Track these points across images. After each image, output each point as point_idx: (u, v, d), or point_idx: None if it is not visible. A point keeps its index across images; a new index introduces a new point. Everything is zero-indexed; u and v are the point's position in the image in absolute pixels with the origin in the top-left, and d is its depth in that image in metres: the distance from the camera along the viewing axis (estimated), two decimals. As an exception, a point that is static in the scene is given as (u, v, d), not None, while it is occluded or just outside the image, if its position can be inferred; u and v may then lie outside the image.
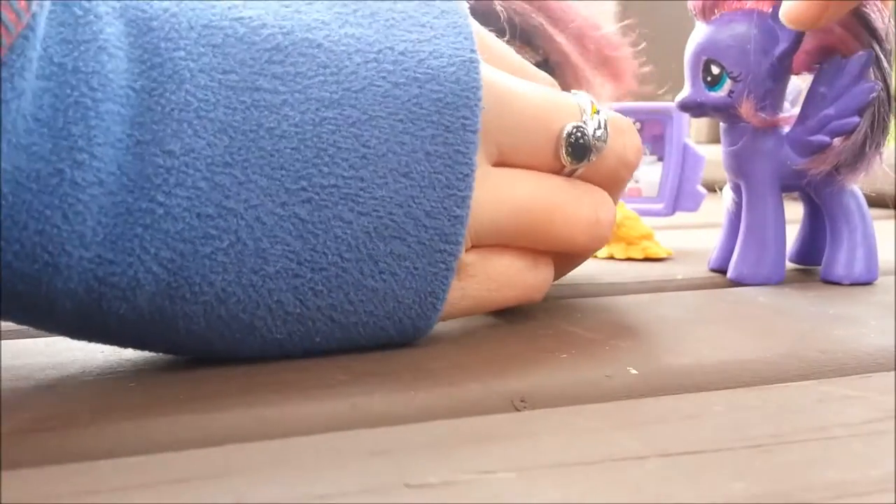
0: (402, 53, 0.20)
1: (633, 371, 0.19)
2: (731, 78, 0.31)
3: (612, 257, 0.38)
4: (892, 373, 0.20)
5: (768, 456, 0.15)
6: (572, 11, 0.33)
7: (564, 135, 0.22)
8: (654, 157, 0.43)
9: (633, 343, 0.22)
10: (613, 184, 0.25)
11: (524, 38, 0.29)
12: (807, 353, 0.21)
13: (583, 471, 0.14)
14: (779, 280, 0.31)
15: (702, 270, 0.34)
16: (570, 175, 0.23)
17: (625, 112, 0.42)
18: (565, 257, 0.25)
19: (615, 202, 0.26)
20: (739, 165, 0.32)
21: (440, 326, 0.24)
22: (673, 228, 0.46)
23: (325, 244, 0.19)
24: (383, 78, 0.19)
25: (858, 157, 0.30)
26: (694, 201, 0.44)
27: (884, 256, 0.33)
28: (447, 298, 0.21)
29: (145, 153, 0.17)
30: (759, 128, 0.31)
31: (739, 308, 0.27)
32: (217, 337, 0.19)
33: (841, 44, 0.30)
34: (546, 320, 0.25)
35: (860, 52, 0.30)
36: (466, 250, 0.21)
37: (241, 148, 0.18)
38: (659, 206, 0.43)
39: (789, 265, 0.34)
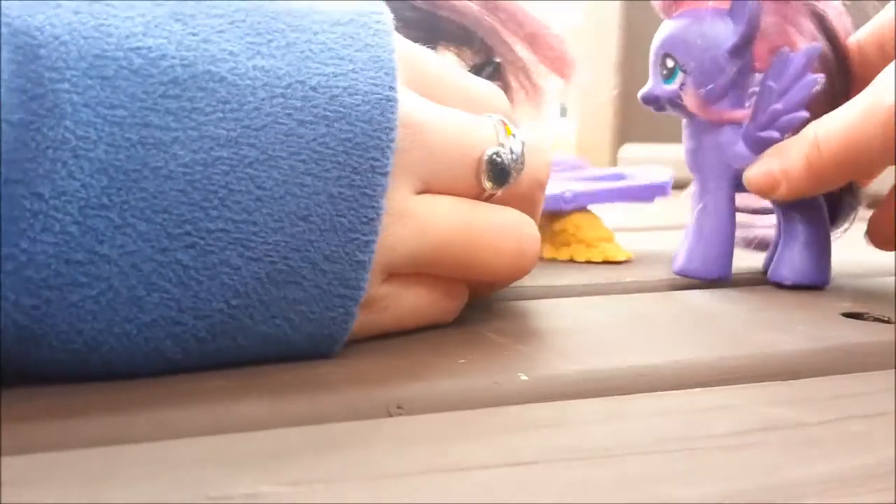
0: (313, 89, 0.19)
1: (524, 377, 0.19)
2: (682, 71, 0.30)
3: (571, 259, 0.38)
4: (789, 382, 0.19)
5: (603, 469, 0.14)
6: (524, 13, 0.33)
7: (485, 160, 0.22)
8: None
9: (538, 348, 0.22)
10: (530, 204, 0.25)
11: (464, 39, 0.29)
12: (712, 359, 0.21)
13: (412, 481, 0.14)
14: (722, 275, 0.31)
15: (656, 273, 0.34)
16: (488, 199, 0.23)
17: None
18: (485, 286, 0.25)
19: (534, 217, 0.25)
20: (694, 161, 0.32)
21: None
22: (638, 231, 0.45)
23: (209, 291, 0.18)
24: (289, 115, 0.18)
25: None
26: None
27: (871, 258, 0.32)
28: (353, 331, 0.20)
29: (13, 194, 0.16)
30: (713, 123, 0.31)
31: (673, 312, 0.27)
32: (92, 374, 0.18)
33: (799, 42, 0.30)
34: (465, 323, 0.25)
35: (806, 46, 0.29)
36: (382, 282, 0.21)
37: (120, 189, 0.17)
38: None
39: (752, 267, 0.33)
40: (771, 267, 0.31)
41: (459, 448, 0.15)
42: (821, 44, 0.29)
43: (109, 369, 0.18)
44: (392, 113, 0.19)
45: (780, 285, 0.31)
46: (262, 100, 0.18)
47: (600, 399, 0.18)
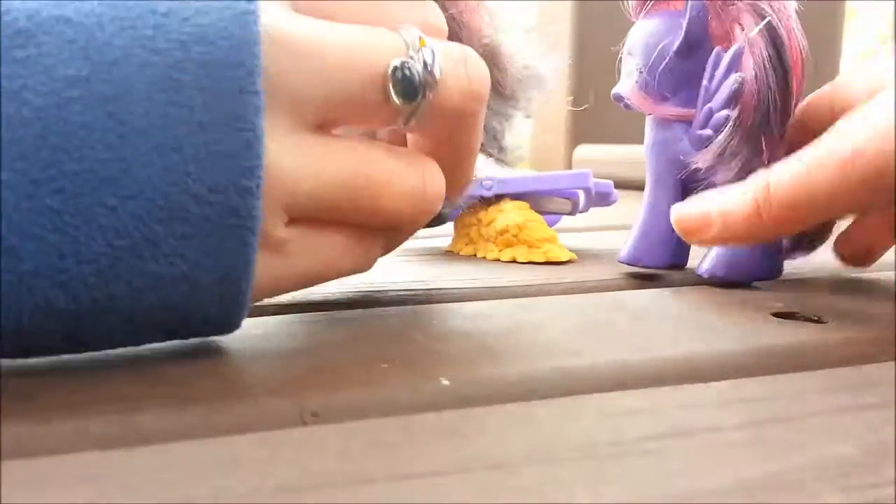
0: (164, 15, 0.18)
1: (445, 382, 0.19)
2: (637, 70, 0.31)
3: (514, 260, 0.37)
4: (710, 384, 0.19)
5: (509, 478, 0.14)
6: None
7: (389, 73, 0.21)
8: None
9: (466, 351, 0.21)
10: (464, 119, 0.23)
11: None
12: (636, 361, 0.20)
13: (310, 495, 0.13)
14: (667, 263, 0.32)
15: (596, 273, 0.34)
16: (408, 120, 0.22)
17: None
18: (394, 230, 0.24)
19: (472, 140, 0.24)
20: (648, 154, 0.33)
21: (275, 329, 0.23)
22: (582, 231, 0.45)
23: (87, 234, 0.17)
24: (141, 46, 0.18)
25: (735, 152, 0.29)
26: None
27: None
28: (263, 279, 0.20)
29: None
30: (665, 120, 0.32)
31: (607, 312, 0.26)
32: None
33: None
34: (394, 326, 0.24)
35: (734, 45, 0.29)
36: (285, 225, 0.20)
37: None
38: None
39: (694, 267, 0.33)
40: (698, 264, 0.32)
41: (369, 458, 0.15)
42: (744, 44, 0.29)
43: (8, 330, 0.17)
44: (253, 26, 0.18)
45: (706, 280, 0.31)
46: (112, 34, 0.18)
47: (518, 404, 0.18)
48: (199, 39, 0.18)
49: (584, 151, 1.05)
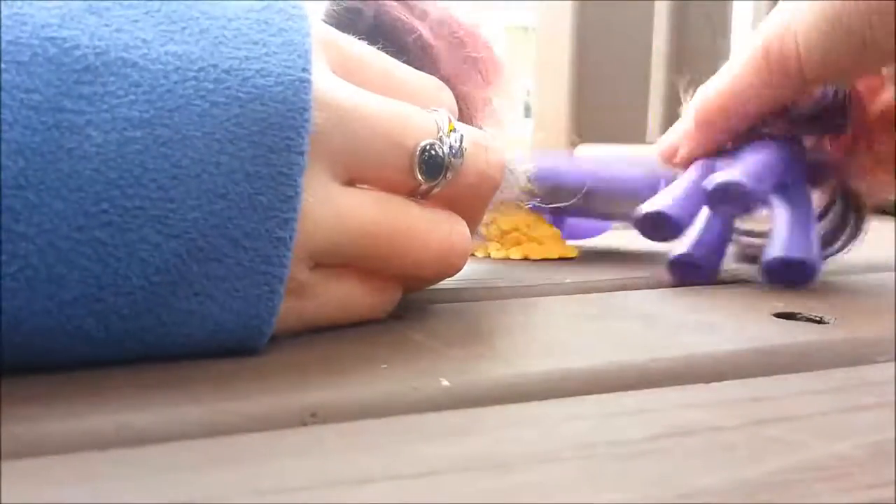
0: (225, 71, 0.19)
1: (445, 382, 0.19)
2: None
3: (526, 258, 0.37)
4: (711, 385, 0.19)
5: (510, 477, 0.14)
6: (452, 18, 0.32)
7: (418, 152, 0.22)
8: None
9: (467, 352, 0.21)
10: (475, 201, 0.25)
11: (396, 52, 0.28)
12: (637, 362, 0.20)
13: (310, 495, 0.13)
14: (716, 268, 0.32)
15: (598, 274, 0.34)
16: (426, 193, 0.23)
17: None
18: (416, 280, 0.25)
19: (479, 216, 0.26)
20: None
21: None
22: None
23: (129, 267, 0.18)
24: (202, 97, 0.19)
25: None
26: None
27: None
28: (282, 318, 0.21)
29: None
30: None
31: (607, 313, 0.26)
32: (14, 359, 0.18)
33: None
34: (396, 326, 0.24)
35: None
36: (310, 269, 0.21)
37: (37, 170, 0.17)
38: None
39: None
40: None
41: (369, 458, 0.15)
42: None
43: (33, 350, 0.18)
44: (306, 94, 0.20)
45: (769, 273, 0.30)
46: (175, 83, 0.19)
47: (518, 405, 0.18)
48: (255, 98, 0.19)
49: (587, 151, 1.05)
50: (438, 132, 0.22)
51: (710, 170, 0.31)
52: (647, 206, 0.30)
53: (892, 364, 0.21)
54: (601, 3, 1.01)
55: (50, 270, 0.17)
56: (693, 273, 0.31)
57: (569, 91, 1.01)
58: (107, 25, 0.18)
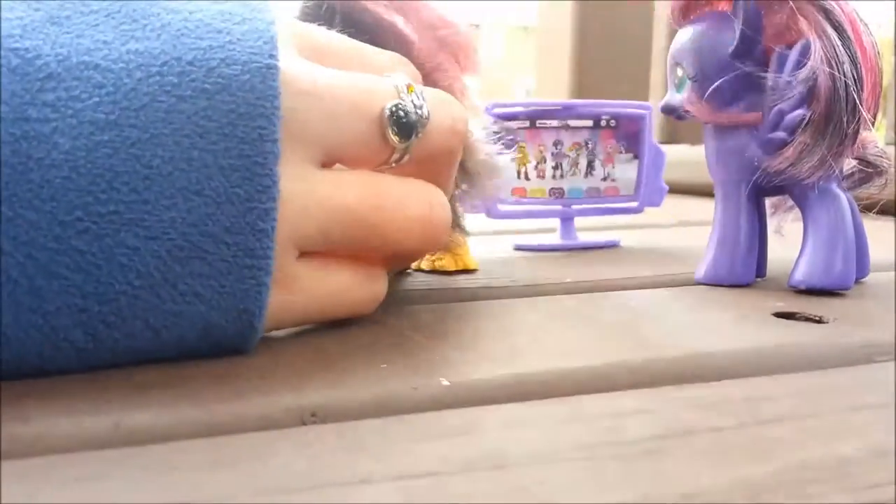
0: (189, 63, 0.19)
1: (445, 382, 0.19)
2: (689, 79, 0.30)
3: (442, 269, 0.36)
4: (711, 384, 0.19)
5: (510, 477, 0.14)
6: (428, 9, 0.32)
7: (386, 115, 0.22)
8: (631, 155, 0.43)
9: (467, 351, 0.21)
10: (447, 156, 0.25)
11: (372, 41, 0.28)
12: (637, 361, 0.20)
13: (308, 496, 0.13)
14: (747, 281, 0.31)
15: (596, 273, 0.34)
16: (402, 156, 0.23)
17: (602, 108, 0.43)
18: (398, 257, 0.24)
19: (451, 176, 0.26)
20: (709, 166, 0.32)
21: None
22: (583, 230, 0.45)
23: (109, 274, 0.18)
24: (167, 92, 0.18)
25: (813, 150, 0.28)
26: (660, 196, 0.44)
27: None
28: (273, 313, 0.20)
29: None
30: (728, 127, 0.30)
31: (608, 313, 0.26)
32: (8, 374, 0.18)
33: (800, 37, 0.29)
34: (395, 326, 0.24)
35: (800, 41, 0.28)
36: (296, 259, 0.21)
37: (8, 183, 0.17)
38: (634, 205, 0.43)
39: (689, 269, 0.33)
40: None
41: (369, 458, 0.15)
42: (812, 38, 0.28)
43: (25, 363, 0.18)
44: (274, 80, 0.19)
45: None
46: (139, 80, 0.18)
47: (518, 404, 0.18)
48: (223, 89, 0.19)
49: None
50: (399, 93, 0.22)
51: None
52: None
53: (892, 364, 0.21)
54: (601, 3, 1.01)
55: (31, 283, 0.17)
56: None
57: (569, 91, 1.01)
58: (68, 33, 0.18)
